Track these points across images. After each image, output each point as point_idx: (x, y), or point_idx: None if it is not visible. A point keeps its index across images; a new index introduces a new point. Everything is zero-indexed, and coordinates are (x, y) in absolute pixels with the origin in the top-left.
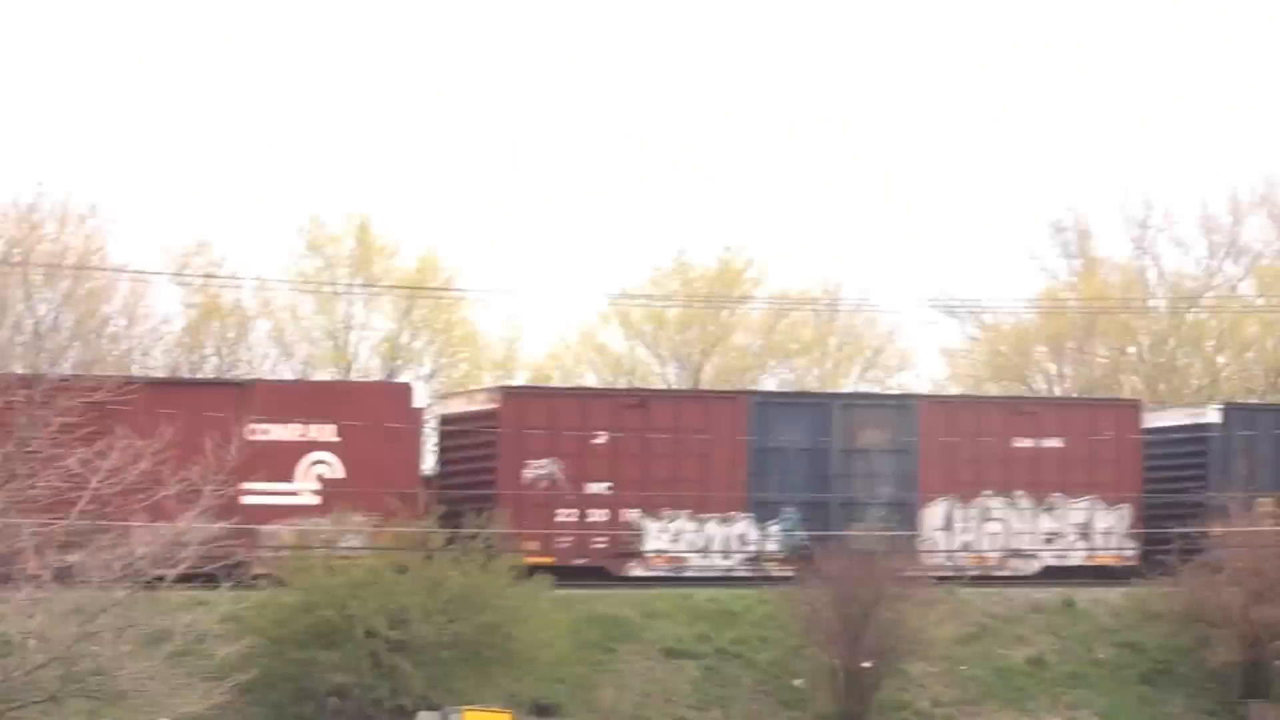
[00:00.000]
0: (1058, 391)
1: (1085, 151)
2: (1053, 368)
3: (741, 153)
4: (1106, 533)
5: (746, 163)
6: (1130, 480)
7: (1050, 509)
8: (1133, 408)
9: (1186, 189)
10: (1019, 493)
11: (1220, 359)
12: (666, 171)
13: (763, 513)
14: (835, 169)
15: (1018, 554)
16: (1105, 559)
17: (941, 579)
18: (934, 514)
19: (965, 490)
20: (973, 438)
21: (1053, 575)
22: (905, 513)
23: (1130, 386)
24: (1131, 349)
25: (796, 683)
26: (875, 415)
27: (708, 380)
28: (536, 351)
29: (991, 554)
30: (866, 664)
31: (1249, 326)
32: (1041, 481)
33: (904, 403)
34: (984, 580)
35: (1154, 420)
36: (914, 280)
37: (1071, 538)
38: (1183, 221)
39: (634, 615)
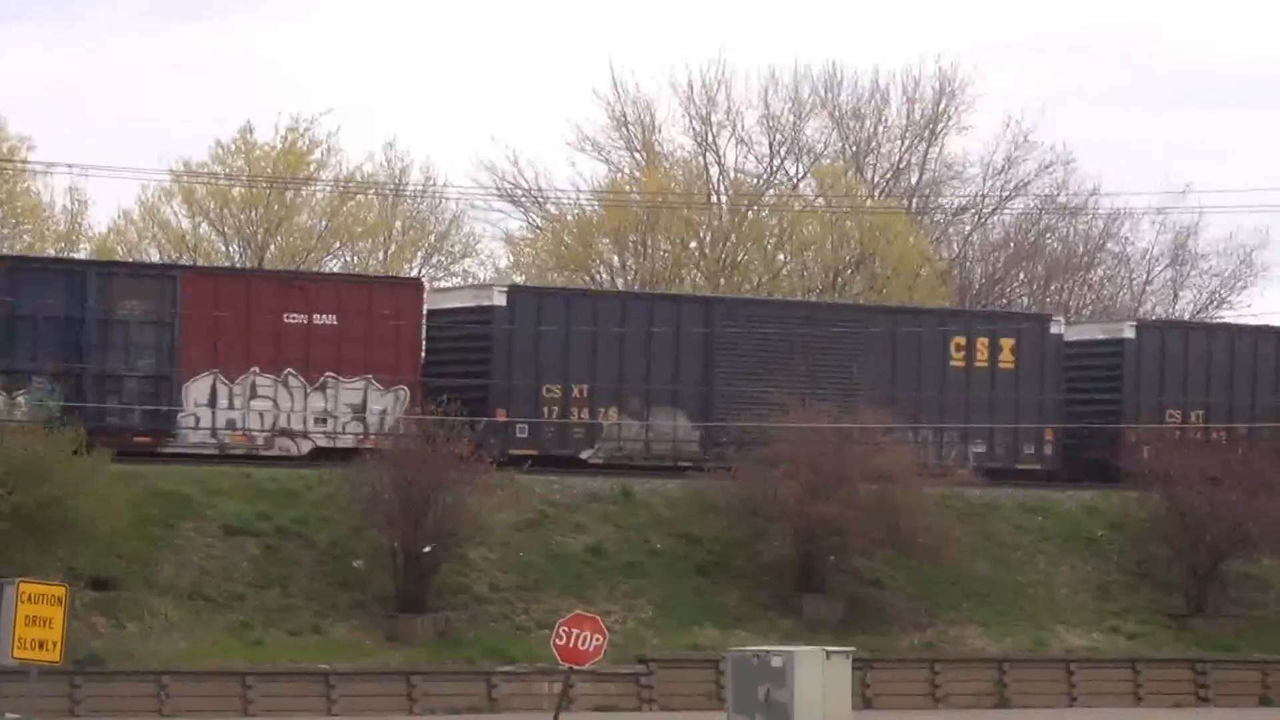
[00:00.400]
0: (620, 284)
1: (648, 40)
2: (616, 260)
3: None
4: (383, 414)
5: (321, 35)
6: (409, 363)
7: (323, 388)
8: (414, 287)
9: (750, 88)
10: (290, 371)
11: (780, 257)
12: (235, 40)
13: (11, 381)
14: (403, 41)
15: (286, 434)
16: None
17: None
18: (197, 390)
19: (232, 367)
20: (241, 312)
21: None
22: (165, 387)
23: (692, 281)
24: (693, 244)
25: (356, 564)
26: (135, 286)
27: (271, 261)
28: (100, 225)
29: (259, 433)
30: (426, 548)
31: (808, 225)
32: (314, 360)
33: (166, 274)
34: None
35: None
36: (479, 168)
37: (344, 419)
38: (746, 119)
39: (195, 492)
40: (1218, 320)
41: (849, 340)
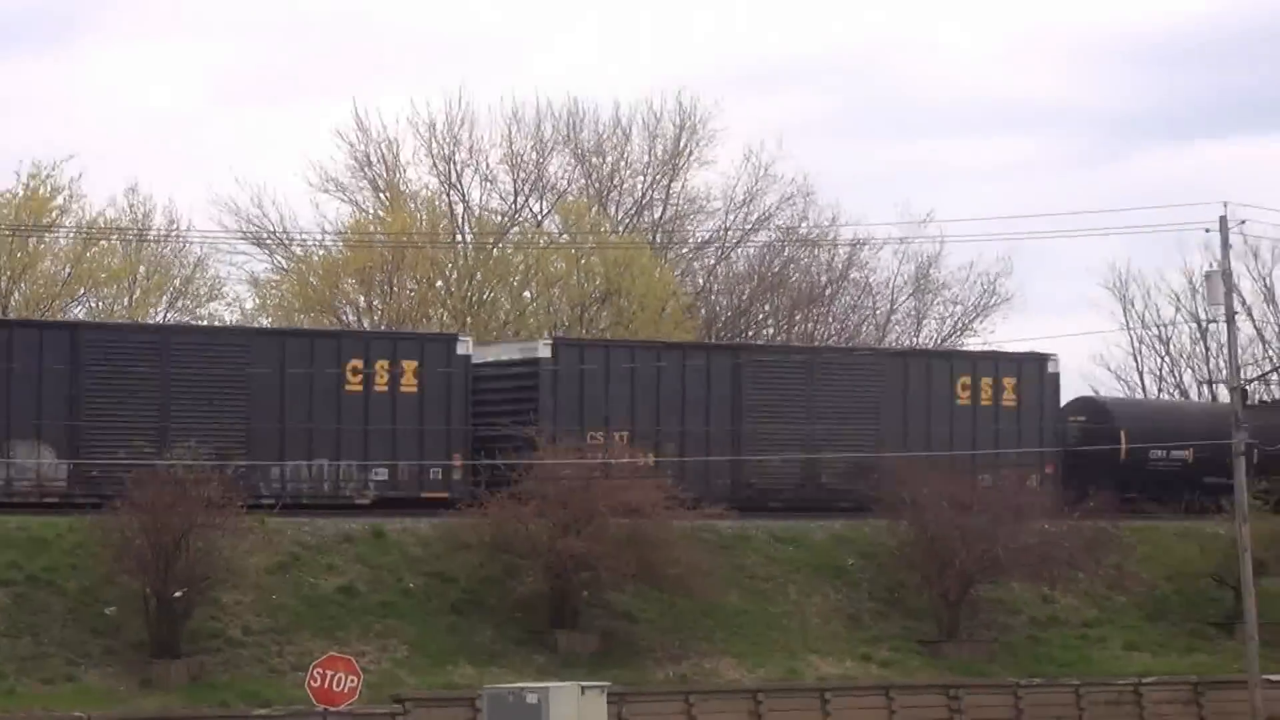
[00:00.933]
0: (367, 324)
1: (390, 78)
2: (362, 300)
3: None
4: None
5: (61, 77)
6: None
7: None
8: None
9: (494, 126)
10: None
11: (527, 294)
12: None
13: None
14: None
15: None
16: None
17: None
18: None
19: None
20: None
21: None
22: None
23: (439, 320)
24: (439, 283)
25: (108, 610)
26: None
27: (16, 310)
28: None
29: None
30: (178, 593)
31: (554, 262)
32: None
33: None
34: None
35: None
36: (223, 210)
37: None
38: (490, 157)
39: None
40: (660, 339)
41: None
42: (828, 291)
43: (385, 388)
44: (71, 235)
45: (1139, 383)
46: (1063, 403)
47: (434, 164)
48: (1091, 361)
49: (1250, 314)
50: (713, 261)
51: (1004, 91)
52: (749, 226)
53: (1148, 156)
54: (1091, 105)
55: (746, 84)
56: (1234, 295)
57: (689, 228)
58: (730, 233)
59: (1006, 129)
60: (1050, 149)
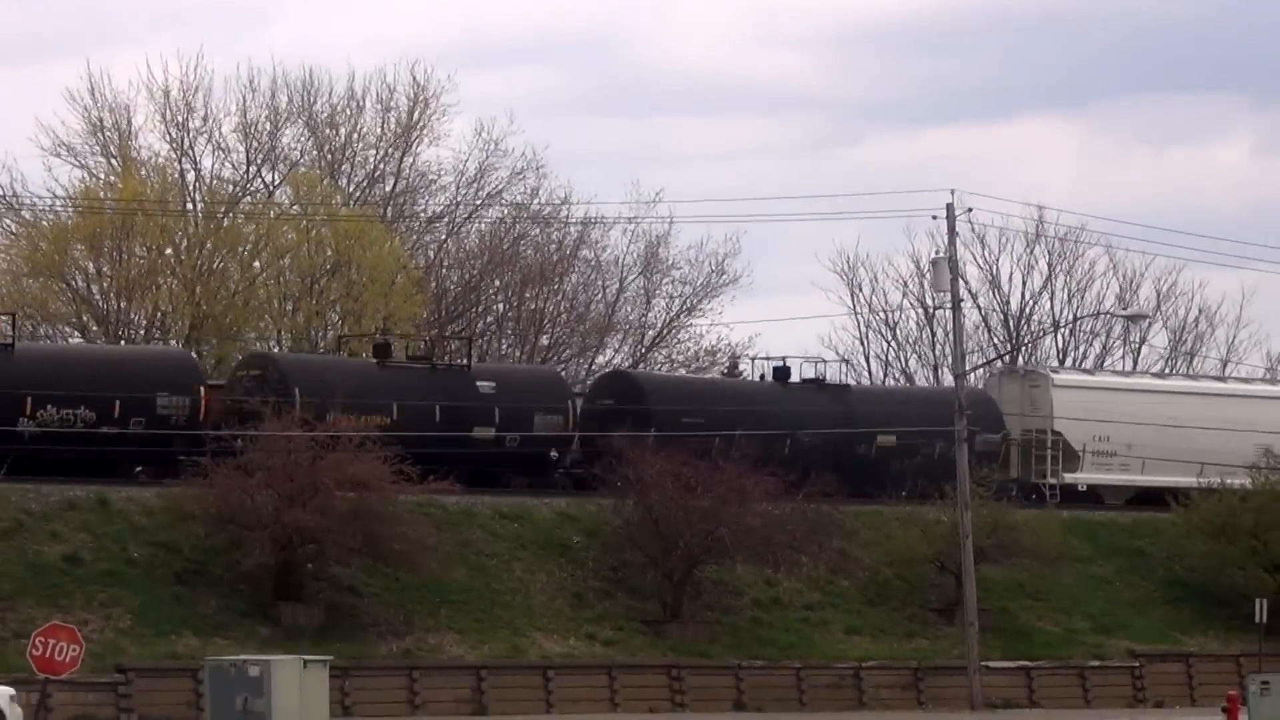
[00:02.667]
0: (96, 291)
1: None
2: (91, 266)
3: None
4: None
5: None
6: None
7: None
8: None
9: (229, 95)
10: None
11: (257, 264)
12: None
13: None
14: None
15: None
16: None
17: None
18: None
19: None
20: None
21: None
22: None
23: (169, 288)
24: (169, 251)
25: None
26: None
27: None
28: None
29: None
30: None
31: (285, 233)
32: None
33: None
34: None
35: None
36: None
37: None
38: (224, 126)
39: None
40: None
41: None
42: (558, 269)
43: None
44: None
45: (865, 366)
46: None
47: (167, 131)
48: (820, 344)
49: (976, 301)
50: (444, 236)
51: (743, 73)
52: (480, 202)
53: (882, 142)
54: (829, 90)
55: (481, 58)
56: (959, 281)
57: (420, 202)
58: (461, 208)
59: (744, 111)
60: (787, 132)
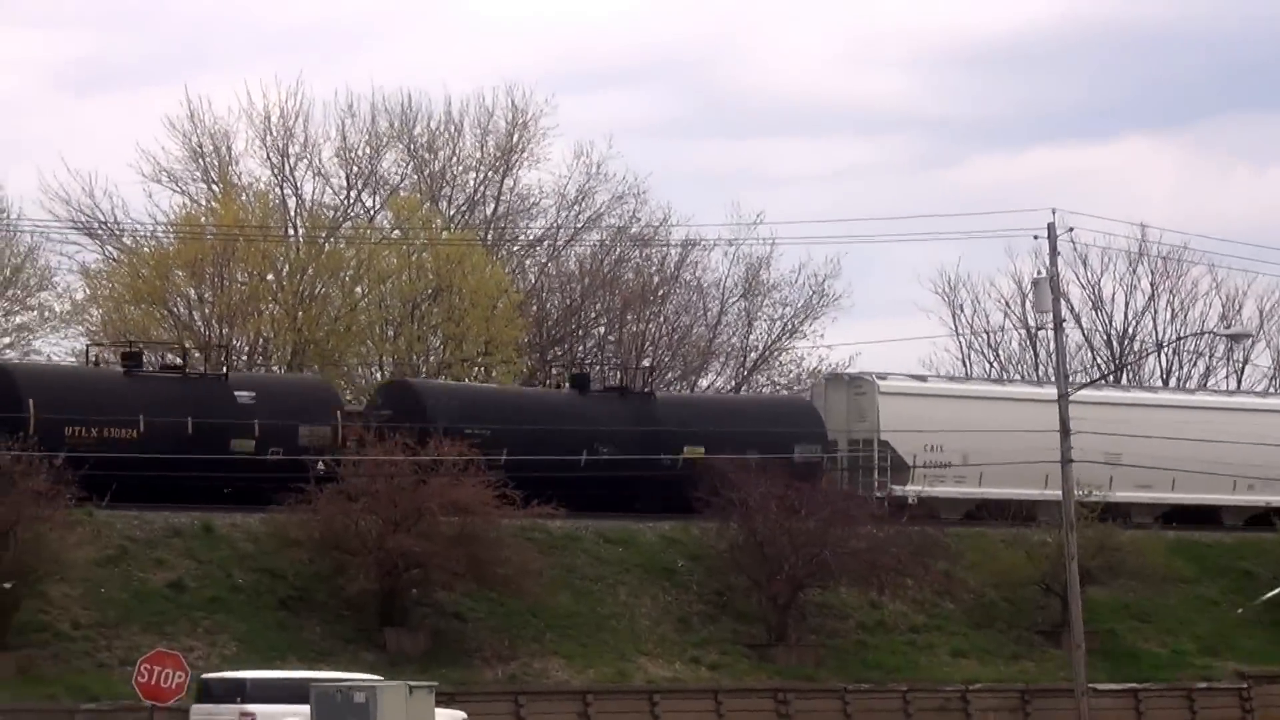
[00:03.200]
0: (197, 317)
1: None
2: (193, 292)
3: None
4: None
5: None
6: None
7: None
8: None
9: (328, 120)
10: None
11: (358, 289)
12: None
13: None
14: None
15: None
16: None
17: (82, 500)
18: None
19: None
20: None
21: None
22: None
23: (270, 313)
24: (270, 277)
25: None
26: None
27: None
28: None
29: None
30: (6, 584)
31: (386, 258)
32: None
33: None
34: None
35: None
36: (53, 199)
37: None
38: (323, 152)
39: None
40: None
41: None
42: (659, 292)
43: None
44: None
45: None
46: None
47: (267, 156)
48: (921, 366)
49: (1079, 321)
50: (544, 260)
51: (841, 94)
52: (580, 225)
53: (983, 162)
54: (930, 110)
55: (577, 82)
56: (1061, 301)
57: (520, 225)
58: (561, 231)
59: (843, 132)
60: (887, 153)
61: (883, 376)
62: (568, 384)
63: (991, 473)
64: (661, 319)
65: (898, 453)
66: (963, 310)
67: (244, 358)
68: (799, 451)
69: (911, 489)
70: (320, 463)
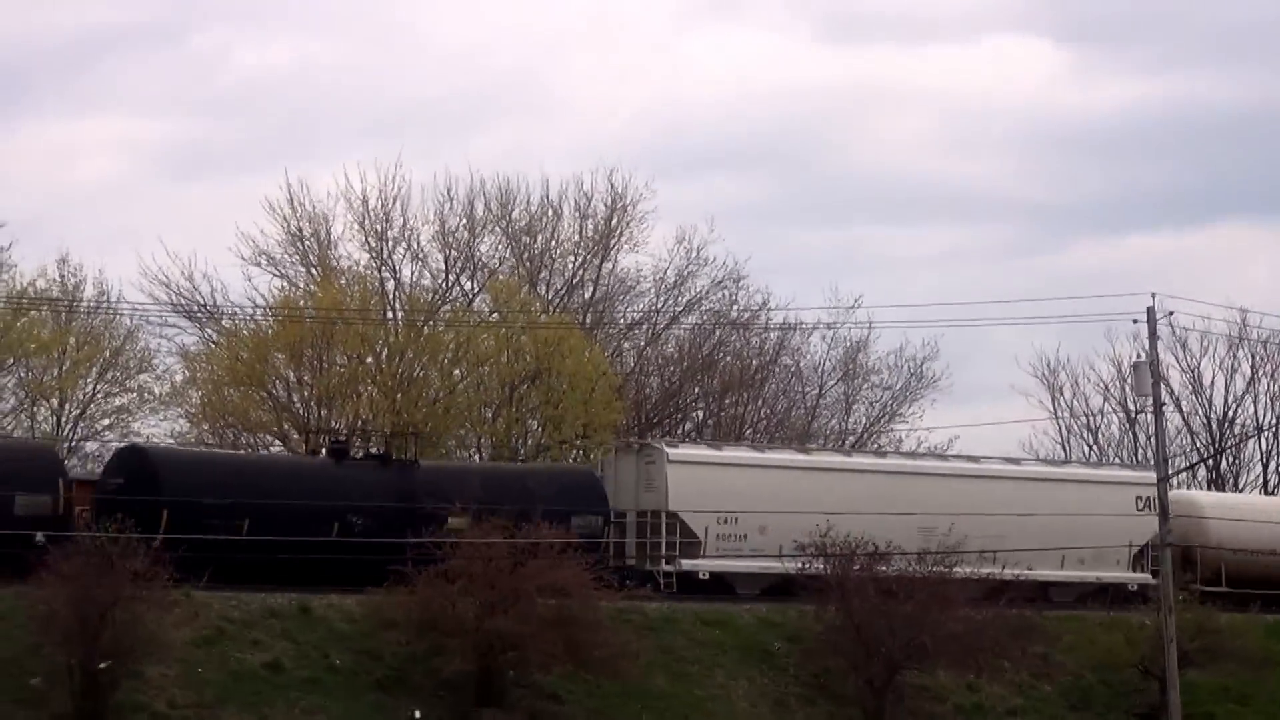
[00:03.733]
0: (296, 399)
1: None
2: (292, 375)
3: None
4: None
5: None
6: None
7: None
8: None
9: (426, 203)
10: None
11: (456, 372)
12: None
13: None
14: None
15: None
16: None
17: (179, 581)
18: None
19: None
20: None
21: None
22: None
23: (369, 396)
24: (369, 359)
25: (34, 682)
26: None
27: None
28: None
29: None
30: (103, 664)
31: (484, 340)
32: None
33: None
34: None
35: None
36: (153, 283)
37: None
38: (421, 235)
39: None
40: None
41: None
42: (758, 375)
43: None
44: (1, 305)
45: None
46: None
47: (366, 240)
48: (1020, 449)
49: (1178, 405)
50: (643, 343)
51: (941, 179)
52: (679, 308)
53: (1081, 246)
54: (1026, 195)
55: (677, 166)
56: (1161, 385)
57: (619, 308)
58: (660, 314)
59: (941, 217)
60: (985, 237)
61: (673, 444)
62: (324, 451)
63: (794, 547)
64: (760, 402)
65: (688, 524)
66: (1062, 393)
67: (342, 439)
68: (575, 523)
69: (703, 563)
70: (39, 535)
